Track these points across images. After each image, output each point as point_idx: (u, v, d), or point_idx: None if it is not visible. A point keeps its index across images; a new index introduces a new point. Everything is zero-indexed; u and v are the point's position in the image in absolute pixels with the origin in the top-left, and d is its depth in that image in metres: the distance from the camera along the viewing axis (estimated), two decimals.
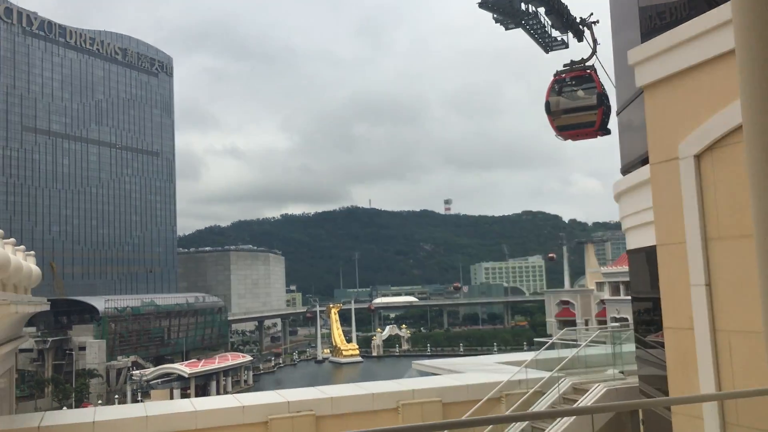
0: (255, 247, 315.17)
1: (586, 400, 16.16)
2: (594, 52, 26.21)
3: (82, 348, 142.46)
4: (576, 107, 25.24)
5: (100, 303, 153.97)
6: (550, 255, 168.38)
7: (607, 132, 25.62)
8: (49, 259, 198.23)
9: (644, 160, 12.42)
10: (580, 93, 25.26)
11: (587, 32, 26.19)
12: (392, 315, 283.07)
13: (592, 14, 26.32)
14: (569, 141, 25.63)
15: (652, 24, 11.80)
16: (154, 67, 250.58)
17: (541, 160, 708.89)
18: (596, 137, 25.91)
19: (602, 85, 25.20)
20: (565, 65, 26.43)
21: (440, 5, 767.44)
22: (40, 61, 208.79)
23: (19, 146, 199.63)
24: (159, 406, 16.27)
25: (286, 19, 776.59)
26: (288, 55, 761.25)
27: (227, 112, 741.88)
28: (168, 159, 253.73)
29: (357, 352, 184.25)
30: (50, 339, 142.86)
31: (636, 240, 12.71)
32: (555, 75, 26.08)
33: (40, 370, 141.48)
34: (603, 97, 24.91)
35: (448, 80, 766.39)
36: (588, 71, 25.68)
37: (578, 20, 25.96)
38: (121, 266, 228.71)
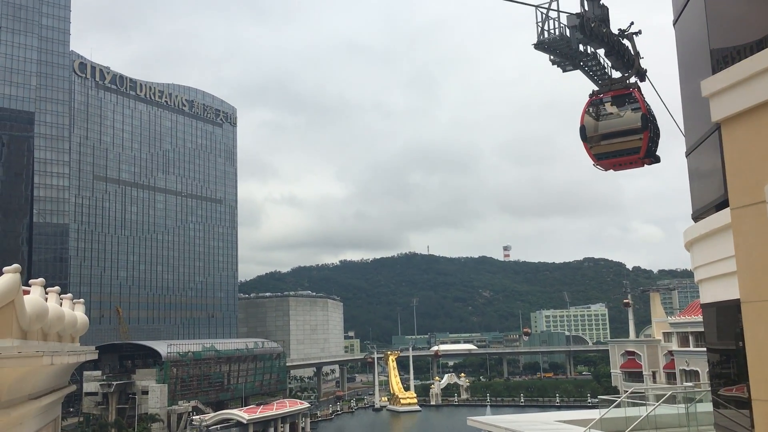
0: (314, 293, 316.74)
1: None
2: (637, 67, 23.36)
3: (145, 392, 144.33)
4: (617, 131, 22.25)
5: (162, 347, 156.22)
6: (625, 301, 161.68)
7: (656, 160, 22.61)
8: (116, 303, 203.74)
9: (719, 205, 11.39)
10: (622, 114, 22.25)
11: (628, 44, 23.36)
12: (451, 363, 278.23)
13: (632, 24, 23.45)
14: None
15: (727, 65, 10.88)
16: (218, 117, 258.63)
17: (597, 207, 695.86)
18: (642, 166, 22.77)
19: (648, 105, 22.17)
20: (602, 84, 23.53)
21: (490, 58, 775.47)
22: (111, 113, 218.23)
23: (91, 194, 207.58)
24: None
25: (340, 73, 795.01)
26: (342, 107, 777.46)
27: (285, 163, 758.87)
28: (231, 206, 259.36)
29: (415, 400, 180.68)
30: (114, 383, 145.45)
31: (712, 293, 11.55)
32: (591, 95, 23.00)
33: (105, 413, 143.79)
34: (649, 119, 21.82)
35: (500, 129, 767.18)
36: (630, 89, 22.62)
37: (617, 32, 23.12)
38: (183, 311, 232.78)
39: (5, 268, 9.58)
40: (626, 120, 22.16)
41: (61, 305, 14.33)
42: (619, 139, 22.25)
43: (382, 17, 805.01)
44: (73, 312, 14.89)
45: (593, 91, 23.18)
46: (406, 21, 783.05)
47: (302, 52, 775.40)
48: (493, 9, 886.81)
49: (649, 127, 21.78)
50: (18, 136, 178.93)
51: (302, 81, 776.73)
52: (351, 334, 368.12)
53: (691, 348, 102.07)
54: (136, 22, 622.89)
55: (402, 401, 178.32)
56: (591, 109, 22.79)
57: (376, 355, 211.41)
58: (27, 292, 11.30)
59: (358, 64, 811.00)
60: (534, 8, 21.48)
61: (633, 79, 23.29)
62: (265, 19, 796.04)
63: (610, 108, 22.59)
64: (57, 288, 13.73)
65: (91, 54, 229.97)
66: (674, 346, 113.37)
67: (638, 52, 23.51)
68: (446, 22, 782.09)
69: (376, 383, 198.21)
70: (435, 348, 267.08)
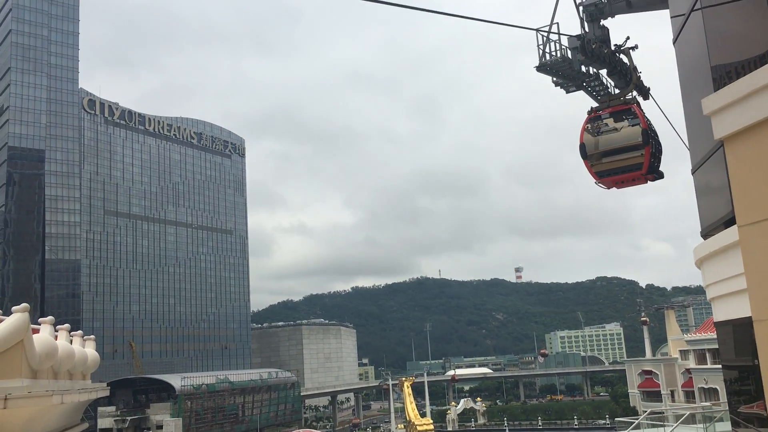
0: (326, 321, 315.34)
1: None
2: (634, 82, 23.01)
3: (160, 426, 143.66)
4: (618, 148, 21.69)
5: (176, 381, 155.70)
6: (642, 319, 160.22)
7: (660, 176, 22.23)
8: (129, 338, 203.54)
9: (727, 222, 11.31)
10: (622, 130, 21.73)
11: (625, 59, 23.12)
12: (466, 387, 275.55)
13: (628, 38, 23.08)
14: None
15: (728, 82, 10.87)
16: (227, 149, 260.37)
17: (607, 225, 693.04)
18: (646, 182, 22.36)
19: (648, 120, 21.80)
20: (601, 100, 23.10)
21: (493, 82, 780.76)
22: (121, 148, 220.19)
23: (102, 229, 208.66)
24: None
25: (345, 103, 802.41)
26: (348, 136, 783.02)
27: (293, 192, 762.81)
28: (241, 236, 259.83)
29: (431, 427, 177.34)
30: (129, 418, 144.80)
31: (725, 311, 11.41)
32: (589, 112, 22.63)
33: None
34: (650, 134, 21.37)
35: (507, 152, 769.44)
36: (629, 105, 22.28)
37: (613, 47, 22.89)
38: (197, 343, 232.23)
39: (14, 308, 9.61)
40: (626, 136, 21.69)
41: (71, 342, 14.33)
42: (620, 156, 21.77)
43: (384, 47, 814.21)
44: (84, 349, 14.88)
45: (591, 108, 22.80)
46: (408, 49, 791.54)
47: (307, 83, 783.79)
48: (494, 34, 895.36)
49: (651, 142, 21.35)
50: (29, 174, 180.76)
51: (308, 111, 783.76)
52: (365, 361, 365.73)
53: (709, 365, 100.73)
54: (143, 58, 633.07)
55: (419, 428, 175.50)
56: (590, 126, 22.38)
57: (390, 382, 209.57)
58: (37, 331, 11.31)
59: (363, 93, 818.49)
60: (535, 32, 21.61)
61: (632, 95, 23.01)
62: (269, 51, 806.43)
63: (608, 121, 22.15)
64: (67, 326, 13.74)
65: (99, 91, 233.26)
66: (692, 363, 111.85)
67: (635, 67, 23.26)
68: (448, 48, 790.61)
69: (392, 410, 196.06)
70: (452, 372, 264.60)
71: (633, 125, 21.70)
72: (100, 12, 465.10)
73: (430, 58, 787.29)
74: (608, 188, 23.02)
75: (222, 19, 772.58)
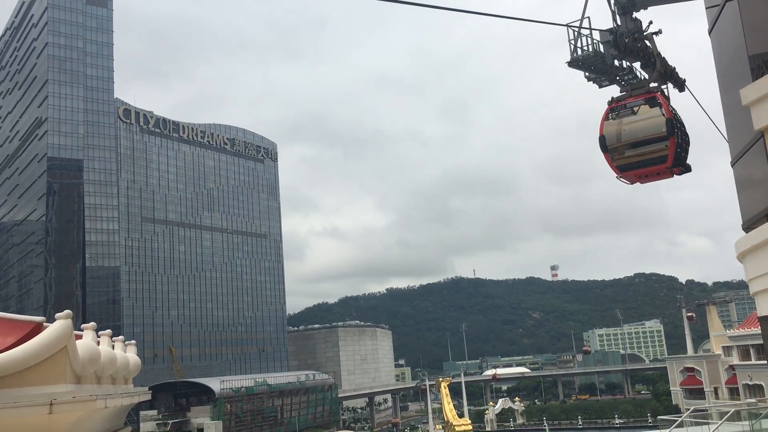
0: (362, 323, 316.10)
1: None
2: (659, 69, 21.80)
3: (200, 429, 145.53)
4: (640, 140, 20.46)
5: (216, 384, 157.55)
6: (688, 315, 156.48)
7: (687, 169, 20.93)
8: (169, 342, 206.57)
9: None
10: (644, 120, 20.52)
11: (649, 45, 21.92)
12: (504, 387, 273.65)
13: (651, 23, 21.79)
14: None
15: (766, 72, 10.53)
16: (260, 153, 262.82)
17: (643, 222, 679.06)
18: (671, 176, 20.99)
19: (673, 109, 20.60)
20: (622, 89, 21.95)
21: (522, 81, 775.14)
22: (156, 156, 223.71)
23: (140, 236, 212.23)
24: None
25: (374, 107, 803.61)
26: (378, 139, 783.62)
27: (325, 195, 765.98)
28: (276, 240, 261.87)
29: (470, 427, 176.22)
30: (170, 421, 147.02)
31: None
32: (610, 102, 21.45)
33: None
34: (675, 125, 20.09)
35: (537, 150, 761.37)
36: (653, 93, 20.98)
37: (635, 34, 21.67)
38: (234, 347, 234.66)
39: (57, 315, 9.83)
40: (649, 126, 20.58)
41: (113, 348, 14.61)
42: (643, 148, 20.67)
43: (411, 50, 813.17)
44: (126, 354, 15.14)
45: (612, 97, 21.78)
46: (435, 51, 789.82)
47: (335, 88, 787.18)
48: (521, 32, 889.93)
49: (676, 132, 20.22)
50: (68, 184, 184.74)
51: (337, 116, 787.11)
52: (401, 362, 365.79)
53: (753, 362, 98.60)
54: (175, 69, 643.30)
55: (457, 428, 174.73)
56: (611, 117, 21.35)
57: (428, 383, 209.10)
58: (80, 337, 11.54)
59: (391, 97, 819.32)
60: (565, 27, 21.35)
61: (665, 85, 22.09)
62: (297, 58, 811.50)
63: (630, 109, 21.03)
64: (109, 331, 14.01)
65: (134, 100, 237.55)
66: (735, 360, 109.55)
67: (659, 53, 22.23)
68: (475, 49, 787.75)
69: (430, 411, 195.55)
70: (492, 371, 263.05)
71: (656, 115, 20.60)
72: (132, 25, 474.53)
73: (457, 60, 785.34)
74: (631, 183, 21.88)
75: (251, 29, 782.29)
